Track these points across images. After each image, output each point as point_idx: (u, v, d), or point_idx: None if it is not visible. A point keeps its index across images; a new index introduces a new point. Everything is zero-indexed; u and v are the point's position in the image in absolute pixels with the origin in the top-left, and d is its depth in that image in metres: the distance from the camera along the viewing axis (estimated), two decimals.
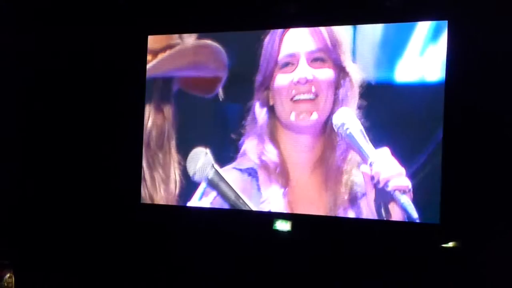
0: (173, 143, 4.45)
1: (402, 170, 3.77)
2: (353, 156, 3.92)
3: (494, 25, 3.62)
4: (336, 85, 3.97)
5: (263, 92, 4.17)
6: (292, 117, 4.05)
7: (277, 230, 4.16)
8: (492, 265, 3.60)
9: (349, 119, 3.90)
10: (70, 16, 4.72)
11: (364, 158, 3.85)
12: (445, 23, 3.76)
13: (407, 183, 3.76)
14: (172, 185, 4.46)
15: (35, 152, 4.81)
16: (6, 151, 4.72)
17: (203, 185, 4.35)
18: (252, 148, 4.20)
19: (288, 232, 4.14)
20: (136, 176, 4.59)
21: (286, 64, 4.08)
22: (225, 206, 4.29)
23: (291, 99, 4.05)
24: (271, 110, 4.15)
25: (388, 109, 3.85)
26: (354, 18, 3.98)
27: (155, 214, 4.52)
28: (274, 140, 4.15)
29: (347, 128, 3.89)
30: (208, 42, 4.32)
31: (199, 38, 4.37)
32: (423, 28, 3.81)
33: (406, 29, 3.85)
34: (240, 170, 4.24)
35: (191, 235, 4.37)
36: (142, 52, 4.55)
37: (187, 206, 4.40)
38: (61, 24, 4.73)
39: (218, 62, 4.28)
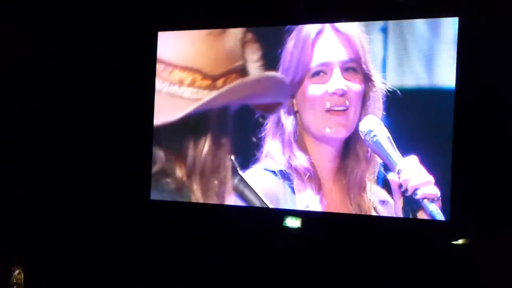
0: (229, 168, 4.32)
1: (430, 178, 3.75)
2: (375, 166, 3.90)
3: (506, 22, 3.62)
4: (364, 96, 3.93)
5: (289, 100, 4.11)
6: (326, 129, 3.99)
7: (287, 227, 4.15)
8: (503, 262, 3.59)
9: (376, 126, 3.88)
10: (75, 11, 4.71)
11: (391, 166, 3.84)
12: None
13: (435, 191, 3.74)
14: None
15: (45, 149, 4.81)
16: (18, 149, 4.73)
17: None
18: (277, 152, 4.15)
19: (298, 229, 4.14)
20: (144, 173, 4.58)
21: (318, 73, 4.01)
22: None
23: (326, 111, 3.98)
24: (297, 118, 4.09)
25: (413, 116, 3.83)
26: (365, 15, 3.97)
27: (164, 211, 4.51)
28: (303, 148, 4.10)
29: (374, 135, 3.87)
30: (272, 74, 4.17)
31: (264, 66, 4.22)
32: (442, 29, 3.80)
33: (426, 32, 3.84)
34: (273, 172, 4.18)
35: (201, 232, 4.37)
36: (152, 48, 4.53)
37: (197, 203, 4.40)
38: (66, 19, 4.71)
39: (279, 90, 4.14)
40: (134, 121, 4.66)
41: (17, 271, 3.59)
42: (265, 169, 4.20)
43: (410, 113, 3.83)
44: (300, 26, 4.07)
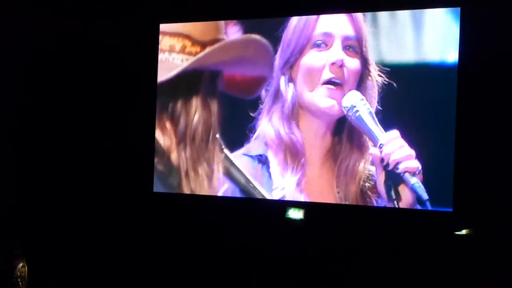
0: (218, 139, 4.34)
1: (412, 152, 3.73)
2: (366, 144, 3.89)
3: (508, 11, 3.61)
4: (361, 79, 3.92)
5: (287, 70, 4.10)
6: (321, 102, 3.98)
7: (289, 218, 4.14)
8: (506, 253, 3.58)
9: (358, 101, 3.87)
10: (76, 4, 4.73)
11: (374, 141, 3.83)
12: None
13: (417, 164, 3.71)
14: (215, 182, 4.36)
15: (47, 141, 4.84)
16: (21, 141, 4.75)
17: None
18: (270, 129, 4.13)
19: (301, 220, 4.13)
20: (147, 165, 4.59)
21: (319, 44, 4.00)
22: (236, 192, 4.23)
23: (323, 82, 3.97)
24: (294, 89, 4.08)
25: (402, 93, 3.82)
26: (367, 5, 3.98)
27: (167, 203, 4.52)
28: (297, 122, 4.10)
29: (356, 111, 3.86)
30: (257, 37, 4.23)
31: (246, 32, 4.27)
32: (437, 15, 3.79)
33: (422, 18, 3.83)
34: (251, 156, 4.20)
35: (203, 223, 4.37)
36: (154, 40, 4.54)
37: (199, 195, 4.38)
38: (66, 12, 4.74)
39: (265, 59, 4.17)
40: (137, 113, 4.66)
41: (20, 264, 3.58)
42: (244, 154, 4.22)
43: (407, 103, 3.82)
44: None
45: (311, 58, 4.01)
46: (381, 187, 3.82)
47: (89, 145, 4.79)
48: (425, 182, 3.71)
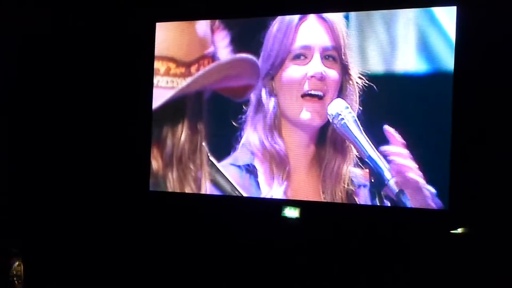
0: (204, 154, 4.38)
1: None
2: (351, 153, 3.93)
3: (505, 10, 3.60)
4: (341, 87, 3.97)
5: (268, 81, 4.13)
6: (302, 114, 4.04)
7: (285, 217, 4.15)
8: (502, 251, 3.59)
9: (343, 109, 3.92)
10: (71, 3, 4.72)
11: (359, 149, 3.89)
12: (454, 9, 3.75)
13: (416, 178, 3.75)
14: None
15: (44, 142, 4.84)
16: (18, 141, 4.76)
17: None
18: (255, 138, 4.18)
19: (296, 219, 4.13)
20: (143, 165, 4.60)
21: (299, 56, 4.06)
22: None
23: (303, 94, 4.02)
24: (276, 101, 4.13)
25: (393, 101, 3.85)
26: (361, 4, 3.99)
27: (163, 202, 4.52)
28: (279, 132, 4.15)
29: (341, 119, 3.92)
30: (244, 56, 4.25)
31: (235, 51, 4.29)
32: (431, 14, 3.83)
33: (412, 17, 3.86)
34: (238, 166, 4.23)
35: (199, 222, 4.38)
36: (150, 39, 4.54)
37: (195, 194, 4.41)
38: (61, 11, 4.73)
39: (251, 73, 4.22)
40: (133, 113, 4.66)
41: (16, 263, 3.57)
42: (231, 164, 4.25)
43: (387, 97, 3.85)
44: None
45: (291, 72, 4.07)
46: (365, 193, 3.89)
47: (86, 143, 4.78)
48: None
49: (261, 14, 4.24)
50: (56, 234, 4.67)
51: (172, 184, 4.48)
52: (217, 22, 4.34)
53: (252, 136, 4.20)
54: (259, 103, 4.17)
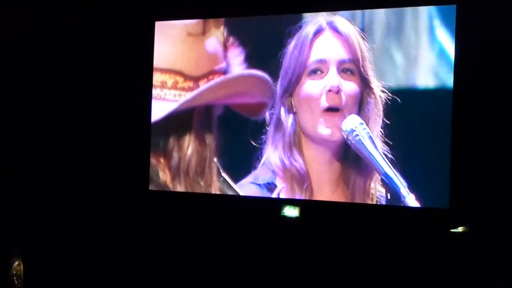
0: (214, 170, 4.36)
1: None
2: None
3: (505, 9, 3.60)
4: (362, 100, 3.91)
5: (287, 99, 4.10)
6: (321, 129, 3.98)
7: (285, 216, 4.14)
8: (502, 250, 3.59)
9: (358, 125, 3.86)
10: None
11: (374, 166, 3.82)
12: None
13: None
14: None
15: (44, 141, 4.84)
16: (17, 140, 4.77)
17: None
18: (275, 158, 4.13)
19: (296, 218, 4.13)
20: (142, 164, 4.60)
21: (315, 71, 4.00)
22: None
23: (323, 111, 3.96)
24: (295, 118, 4.08)
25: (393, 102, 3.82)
26: (361, 3, 3.96)
27: (162, 201, 4.52)
28: (300, 150, 4.09)
29: (356, 135, 3.86)
30: (254, 72, 4.22)
31: (246, 67, 4.26)
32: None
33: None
34: (259, 185, 4.18)
35: (199, 221, 4.38)
36: (149, 38, 4.53)
37: (195, 193, 4.40)
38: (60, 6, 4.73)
39: (263, 90, 4.18)
40: (133, 113, 4.66)
41: (16, 262, 3.58)
42: (251, 182, 4.20)
43: (408, 115, 3.80)
44: (300, 28, 4.07)
45: (308, 87, 4.01)
46: None
47: (85, 143, 4.79)
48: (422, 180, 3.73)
49: (261, 13, 4.23)
50: (56, 234, 4.67)
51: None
52: (231, 38, 4.32)
53: (272, 155, 4.13)
54: (279, 122, 4.12)
